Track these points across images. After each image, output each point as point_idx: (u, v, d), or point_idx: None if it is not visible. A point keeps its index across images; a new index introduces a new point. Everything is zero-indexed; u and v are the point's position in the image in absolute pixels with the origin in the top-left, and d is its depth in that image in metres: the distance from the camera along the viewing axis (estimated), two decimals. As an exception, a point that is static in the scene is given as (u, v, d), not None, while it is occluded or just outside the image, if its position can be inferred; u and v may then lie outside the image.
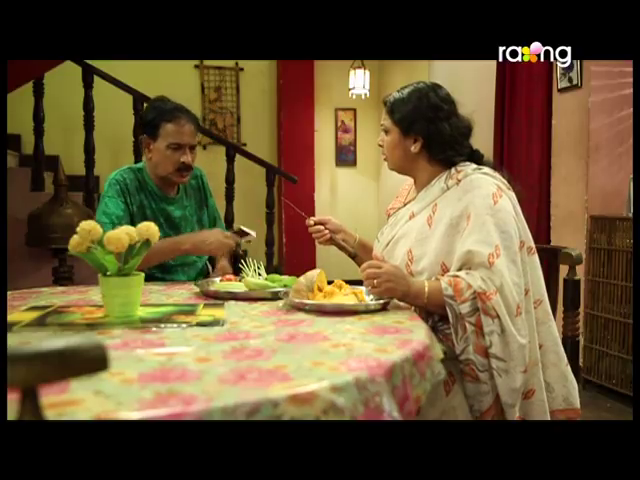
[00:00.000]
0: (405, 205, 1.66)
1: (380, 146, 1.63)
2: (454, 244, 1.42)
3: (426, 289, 1.37)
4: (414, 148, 1.54)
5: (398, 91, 1.58)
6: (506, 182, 1.51)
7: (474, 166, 1.52)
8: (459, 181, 1.49)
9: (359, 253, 1.75)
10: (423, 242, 1.48)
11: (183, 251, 1.90)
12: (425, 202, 1.55)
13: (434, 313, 1.46)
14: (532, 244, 1.48)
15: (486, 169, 1.51)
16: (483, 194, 1.43)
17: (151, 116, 1.99)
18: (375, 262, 1.41)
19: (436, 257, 1.44)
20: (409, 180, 1.70)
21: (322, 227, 1.72)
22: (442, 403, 1.32)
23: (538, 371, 1.41)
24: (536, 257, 1.49)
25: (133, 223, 1.91)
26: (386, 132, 1.60)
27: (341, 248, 1.75)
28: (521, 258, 1.41)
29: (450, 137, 1.51)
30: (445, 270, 1.43)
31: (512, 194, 1.49)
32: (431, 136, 1.52)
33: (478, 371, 1.33)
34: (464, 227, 1.42)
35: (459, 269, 1.39)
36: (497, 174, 1.51)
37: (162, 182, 2.02)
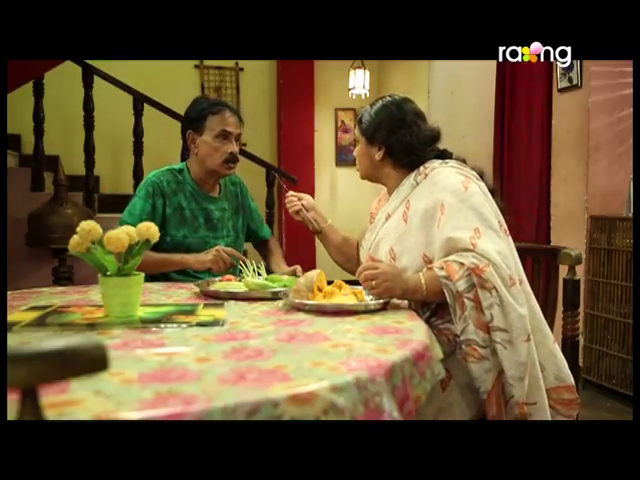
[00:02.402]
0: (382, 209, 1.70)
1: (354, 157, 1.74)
2: (432, 235, 1.46)
3: (422, 280, 1.39)
4: (378, 156, 1.64)
5: (370, 104, 1.70)
6: (476, 174, 1.56)
7: (440, 161, 1.60)
8: (427, 175, 1.56)
9: (326, 232, 1.83)
10: (402, 238, 1.53)
11: (178, 263, 1.93)
12: (398, 201, 1.61)
13: (431, 303, 1.47)
14: (505, 226, 1.51)
15: (452, 162, 1.58)
16: (452, 182, 1.49)
17: (196, 111, 2.03)
18: (371, 263, 1.41)
19: (417, 250, 1.48)
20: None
21: (296, 199, 1.83)
22: (438, 400, 1.33)
23: (531, 346, 1.41)
24: (510, 239, 1.51)
25: (164, 225, 1.95)
26: (356, 142, 1.71)
27: (307, 222, 1.84)
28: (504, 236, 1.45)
29: (410, 145, 1.60)
30: (428, 261, 1.46)
31: (482, 184, 1.54)
32: (392, 144, 1.61)
33: (480, 348, 1.34)
34: (439, 217, 1.46)
35: (444, 257, 1.41)
36: (465, 167, 1.57)
37: (205, 180, 2.04)
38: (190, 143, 2.04)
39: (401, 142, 1.60)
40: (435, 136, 1.65)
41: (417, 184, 1.57)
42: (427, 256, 1.47)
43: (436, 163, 1.58)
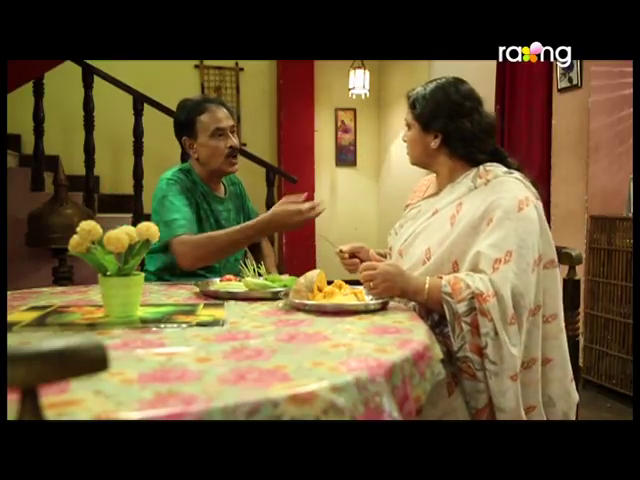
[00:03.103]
0: (427, 199, 1.63)
1: (405, 142, 1.62)
2: (471, 244, 1.40)
3: (426, 285, 1.36)
4: (434, 144, 1.53)
5: (422, 86, 1.57)
6: (535, 191, 1.47)
7: (504, 169, 1.49)
8: (488, 181, 1.46)
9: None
10: (443, 242, 1.45)
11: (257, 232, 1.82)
12: (450, 199, 1.51)
13: (434, 311, 1.45)
14: (554, 257, 1.44)
15: (517, 174, 1.48)
16: (510, 198, 1.39)
17: (183, 116, 1.99)
18: (370, 264, 1.40)
19: (450, 254, 1.42)
20: (428, 176, 1.69)
21: (357, 260, 1.65)
22: (444, 404, 1.33)
23: (539, 388, 1.40)
24: (557, 270, 1.45)
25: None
26: (408, 127, 1.59)
27: None
28: (537, 272, 1.37)
29: (471, 134, 1.49)
30: (455, 269, 1.41)
31: (540, 204, 1.45)
32: (450, 133, 1.51)
33: (475, 369, 1.33)
34: (484, 229, 1.39)
35: (468, 270, 1.37)
36: (527, 181, 1.48)
37: (211, 180, 2.01)
38: (188, 149, 2.01)
39: (461, 130, 1.49)
40: (494, 124, 1.54)
41: (475, 188, 1.47)
42: (457, 264, 1.41)
43: (500, 170, 1.47)
